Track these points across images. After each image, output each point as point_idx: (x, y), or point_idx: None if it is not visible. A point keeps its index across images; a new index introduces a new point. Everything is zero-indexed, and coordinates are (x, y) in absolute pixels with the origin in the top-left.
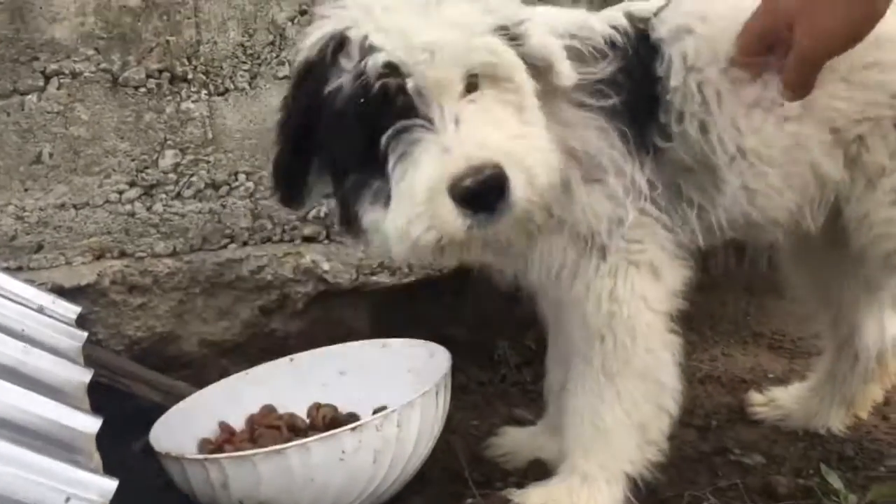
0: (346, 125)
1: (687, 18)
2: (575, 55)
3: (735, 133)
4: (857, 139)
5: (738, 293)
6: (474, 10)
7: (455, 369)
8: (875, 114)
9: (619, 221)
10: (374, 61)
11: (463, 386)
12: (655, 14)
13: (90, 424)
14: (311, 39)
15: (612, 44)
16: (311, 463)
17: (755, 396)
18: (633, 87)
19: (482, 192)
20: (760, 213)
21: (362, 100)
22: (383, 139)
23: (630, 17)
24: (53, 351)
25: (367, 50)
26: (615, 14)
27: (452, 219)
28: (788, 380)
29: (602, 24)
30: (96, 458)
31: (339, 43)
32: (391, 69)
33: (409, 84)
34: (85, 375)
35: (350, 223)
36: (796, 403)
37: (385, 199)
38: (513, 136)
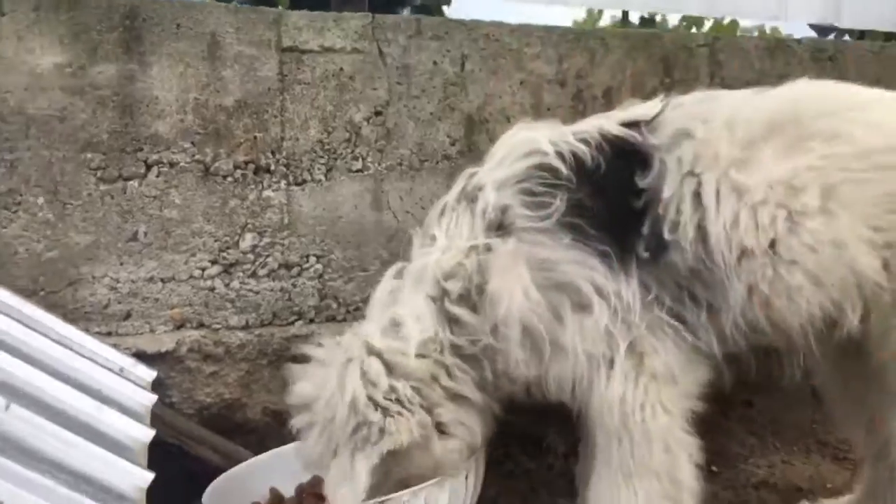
0: None
1: (688, 121)
2: (526, 198)
3: (738, 235)
4: (888, 245)
5: (805, 399)
6: None
7: (503, 455)
8: None
9: (614, 342)
10: None
11: (509, 472)
12: (650, 121)
13: (144, 479)
14: None
15: (578, 167)
16: None
17: None
18: (608, 206)
19: None
20: (777, 316)
21: None
22: None
23: (602, 131)
24: (124, 410)
25: None
26: (587, 129)
27: None
28: (848, 492)
29: (566, 144)
30: None
31: None
32: None
33: None
34: (148, 435)
35: None
36: None
37: None
38: None
